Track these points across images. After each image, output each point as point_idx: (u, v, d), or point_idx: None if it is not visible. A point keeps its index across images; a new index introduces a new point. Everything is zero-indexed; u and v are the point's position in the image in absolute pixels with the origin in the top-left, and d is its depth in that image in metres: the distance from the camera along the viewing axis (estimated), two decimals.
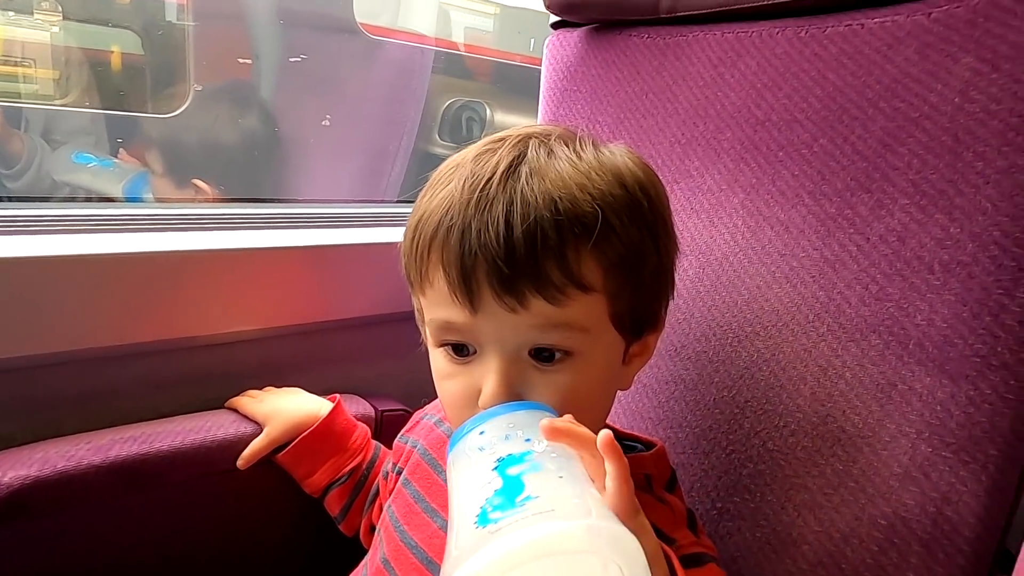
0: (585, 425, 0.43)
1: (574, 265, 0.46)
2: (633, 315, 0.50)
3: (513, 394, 0.48)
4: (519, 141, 0.51)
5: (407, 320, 0.63)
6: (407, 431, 0.66)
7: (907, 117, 0.51)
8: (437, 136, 1.42)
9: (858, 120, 0.54)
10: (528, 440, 0.41)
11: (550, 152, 0.50)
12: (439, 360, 0.52)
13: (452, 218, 0.48)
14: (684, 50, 0.69)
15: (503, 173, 0.48)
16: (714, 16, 0.66)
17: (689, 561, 0.45)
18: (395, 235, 0.55)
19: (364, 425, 0.73)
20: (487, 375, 0.48)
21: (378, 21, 1.67)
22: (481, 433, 0.43)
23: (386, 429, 0.78)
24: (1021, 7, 0.47)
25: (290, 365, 0.83)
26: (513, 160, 0.49)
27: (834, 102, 0.56)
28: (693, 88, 0.67)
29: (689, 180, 0.65)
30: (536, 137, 0.51)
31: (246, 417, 0.71)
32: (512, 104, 1.59)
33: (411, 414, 0.81)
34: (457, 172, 0.51)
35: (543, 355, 0.48)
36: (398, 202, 1.25)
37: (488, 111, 1.47)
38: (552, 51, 0.82)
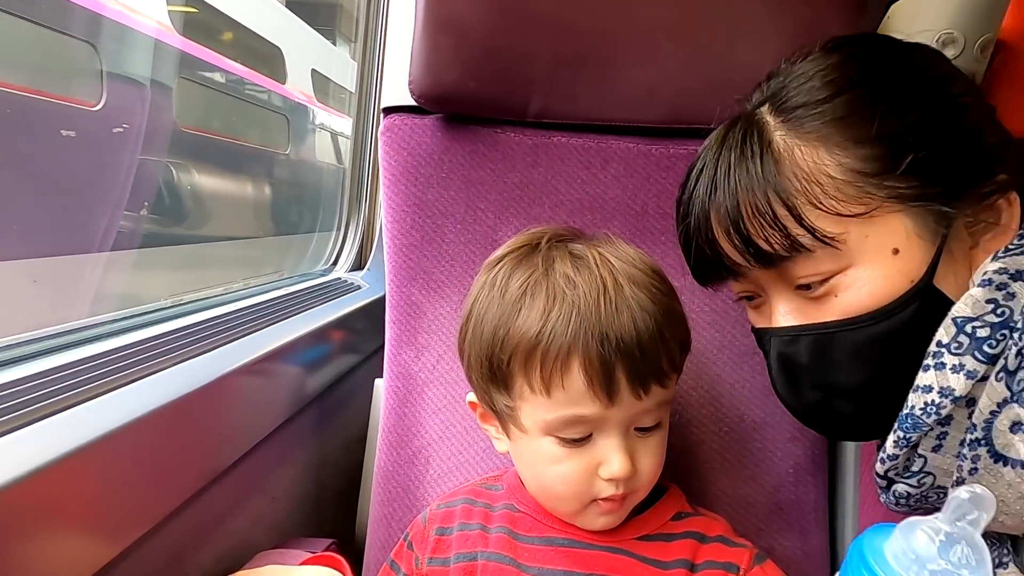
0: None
1: (676, 354, 0.59)
2: None
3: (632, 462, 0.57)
4: (575, 251, 0.59)
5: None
6: (441, 523, 0.65)
7: None
8: None
9: None
10: None
11: (608, 258, 0.59)
12: (546, 447, 0.58)
13: (588, 329, 0.54)
14: (553, 151, 0.82)
15: (613, 286, 0.57)
16: (574, 127, 0.83)
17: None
18: None
19: None
20: (611, 453, 0.57)
21: None
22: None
23: None
24: None
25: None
26: (609, 273, 0.57)
27: None
28: (573, 184, 0.82)
29: None
30: (583, 241, 0.61)
31: None
32: None
33: (334, 541, 0.73)
34: (546, 288, 0.57)
35: (645, 429, 0.59)
36: None
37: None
38: (399, 135, 0.82)
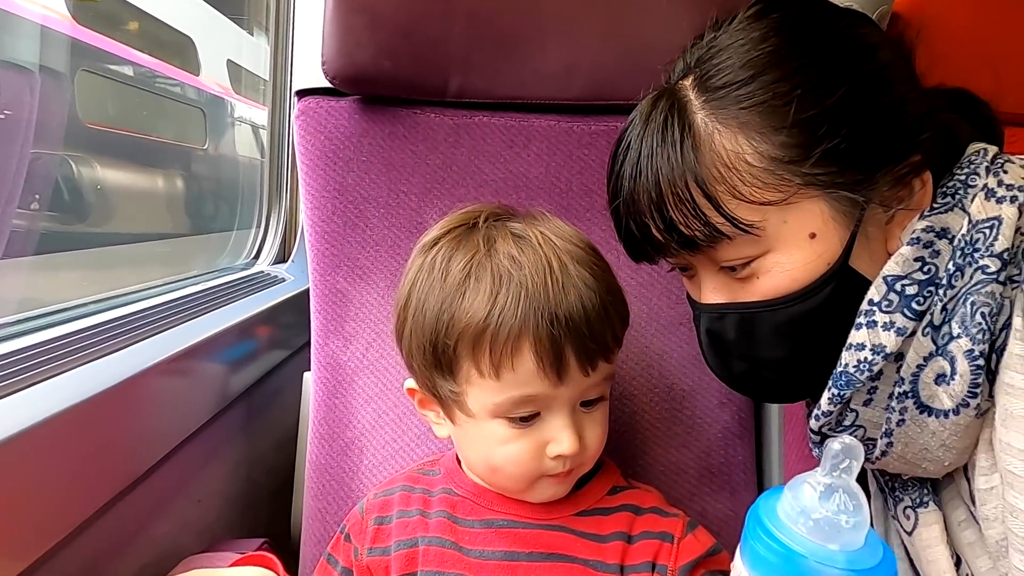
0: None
1: (619, 329, 0.59)
2: None
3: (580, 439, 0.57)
4: (516, 230, 0.58)
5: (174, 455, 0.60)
6: (380, 512, 0.64)
7: None
8: None
9: None
10: None
11: (550, 237, 0.59)
12: (494, 429, 0.57)
13: (537, 310, 0.54)
14: (475, 131, 0.82)
15: (558, 265, 0.56)
16: (495, 106, 0.82)
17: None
18: None
19: None
20: (560, 430, 0.57)
21: None
22: None
23: None
24: None
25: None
26: (553, 252, 0.57)
27: None
28: (496, 164, 0.81)
29: None
30: (520, 219, 0.60)
31: None
32: None
33: (266, 541, 0.72)
34: (491, 270, 0.56)
35: (589, 402, 0.59)
36: None
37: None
38: (314, 118, 0.80)
